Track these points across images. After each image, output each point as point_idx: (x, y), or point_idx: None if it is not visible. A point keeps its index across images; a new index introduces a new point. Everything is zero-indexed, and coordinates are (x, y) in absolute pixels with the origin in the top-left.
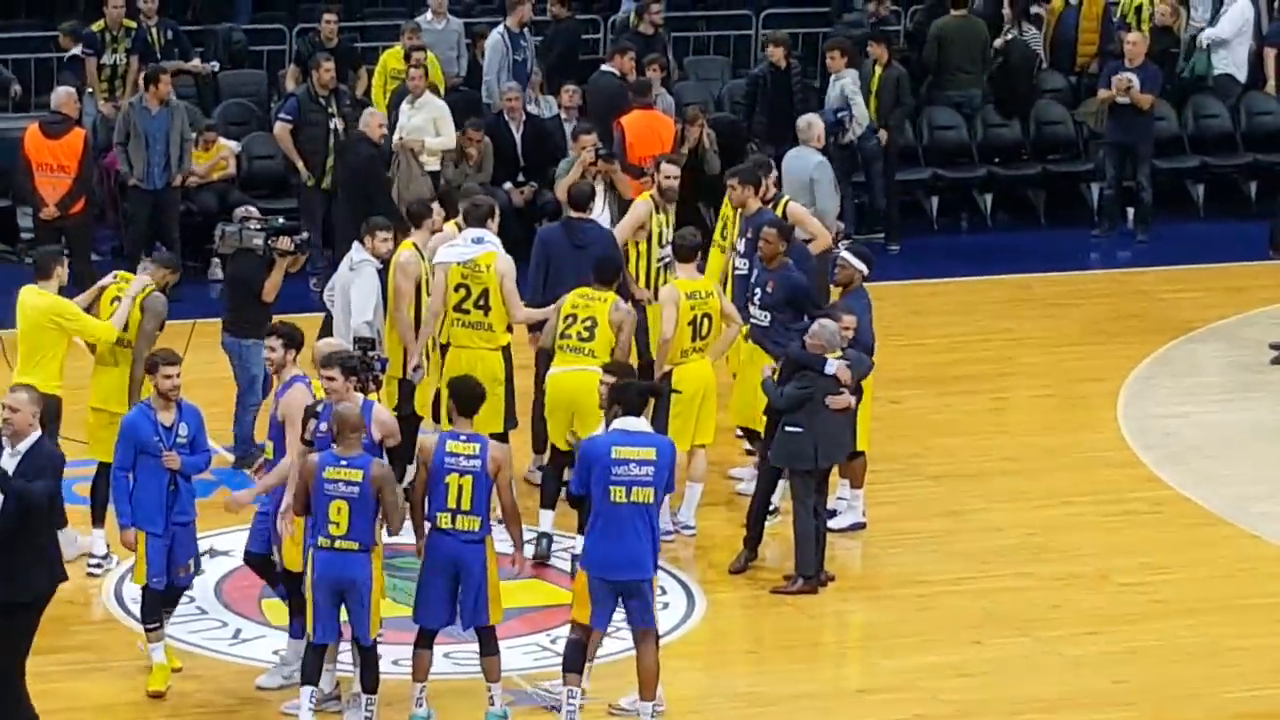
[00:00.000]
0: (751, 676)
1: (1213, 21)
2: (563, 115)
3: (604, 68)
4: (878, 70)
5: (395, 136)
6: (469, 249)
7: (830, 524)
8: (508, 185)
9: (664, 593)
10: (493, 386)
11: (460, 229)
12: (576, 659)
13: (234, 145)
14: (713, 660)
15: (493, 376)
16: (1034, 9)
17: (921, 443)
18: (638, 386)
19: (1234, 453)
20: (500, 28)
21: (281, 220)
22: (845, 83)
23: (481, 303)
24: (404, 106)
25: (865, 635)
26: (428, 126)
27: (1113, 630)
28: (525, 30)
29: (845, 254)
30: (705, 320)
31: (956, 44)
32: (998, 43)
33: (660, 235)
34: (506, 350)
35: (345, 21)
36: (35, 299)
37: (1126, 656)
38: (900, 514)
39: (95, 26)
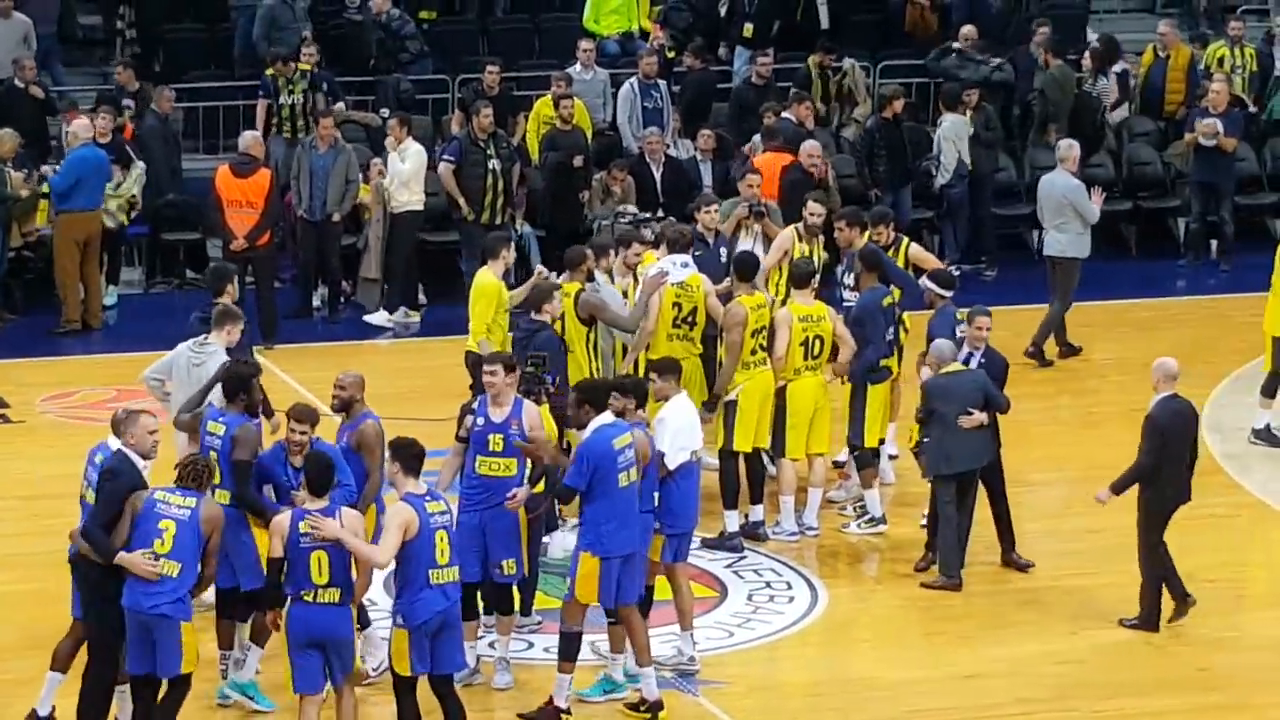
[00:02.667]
0: (867, 663)
1: None
2: (698, 156)
3: (784, 115)
4: (969, 115)
5: (386, 181)
6: (680, 272)
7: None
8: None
9: (789, 587)
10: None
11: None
12: (575, 650)
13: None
14: (832, 649)
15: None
16: (1119, 65)
17: (1027, 452)
18: (605, 385)
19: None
20: (632, 79)
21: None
22: (943, 129)
23: (691, 318)
24: (391, 155)
25: (973, 626)
26: (418, 172)
27: (1199, 622)
28: (658, 80)
29: (926, 282)
30: (817, 341)
31: (1056, 94)
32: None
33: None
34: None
35: (504, 72)
36: None
37: (1211, 646)
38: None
39: (269, 71)
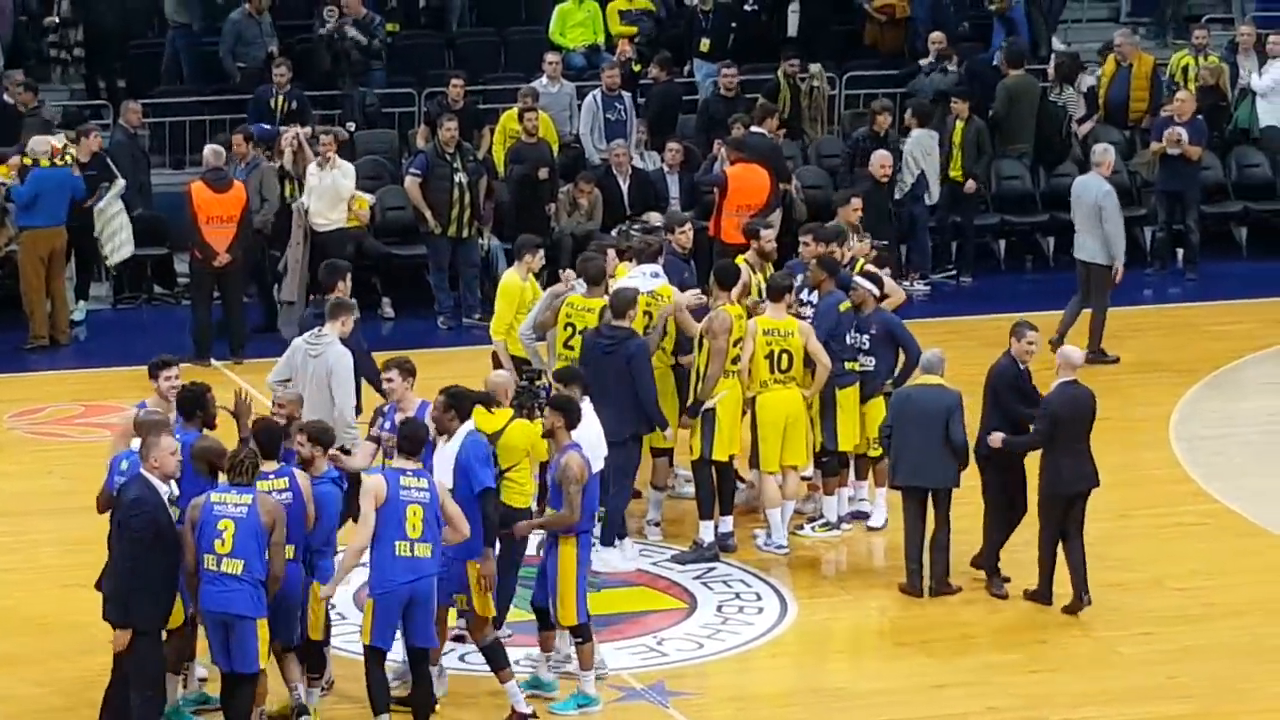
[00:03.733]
0: (838, 674)
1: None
2: (665, 168)
3: (754, 129)
4: (959, 125)
5: (304, 199)
6: (649, 282)
7: (870, 523)
8: (620, 228)
9: (759, 598)
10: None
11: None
12: (503, 657)
13: (370, 198)
14: (803, 660)
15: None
16: (1085, 81)
17: None
18: (473, 397)
19: (1277, 470)
20: (595, 91)
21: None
22: (909, 143)
23: (662, 328)
24: (311, 169)
25: (942, 636)
26: (345, 187)
27: (1167, 631)
28: (621, 92)
29: (857, 279)
30: (784, 356)
31: (1022, 101)
32: None
33: (759, 289)
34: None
35: (469, 85)
36: None
37: (1180, 655)
38: (974, 526)
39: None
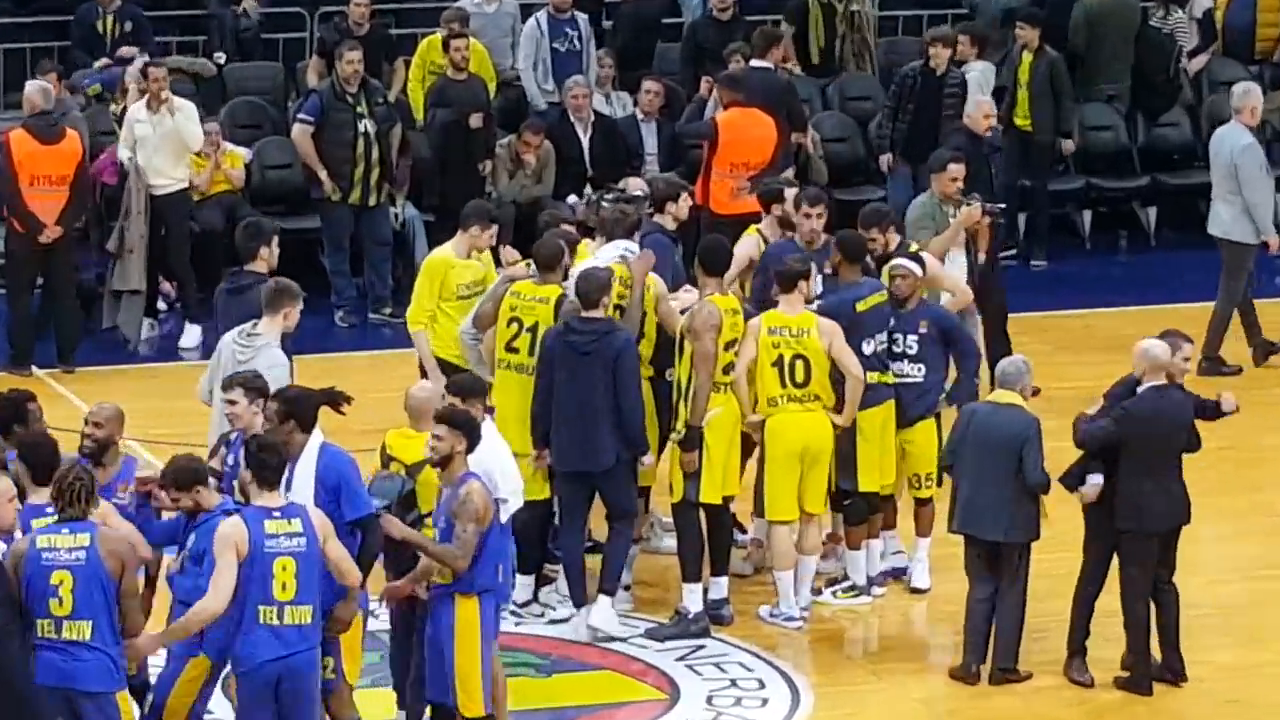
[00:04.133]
0: None
1: None
2: (639, 115)
3: (755, 63)
4: (1026, 58)
5: (125, 153)
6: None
7: (913, 584)
8: (572, 199)
9: (761, 686)
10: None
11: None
12: None
13: (244, 152)
14: None
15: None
16: (1199, 4)
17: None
18: (316, 398)
19: None
20: (540, 13)
21: None
22: (974, 75)
23: (640, 326)
24: (137, 112)
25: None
26: (191, 133)
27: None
28: (574, 13)
29: (898, 261)
30: (798, 363)
31: (1109, 27)
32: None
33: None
34: None
35: (379, 3)
36: None
37: None
38: (1055, 589)
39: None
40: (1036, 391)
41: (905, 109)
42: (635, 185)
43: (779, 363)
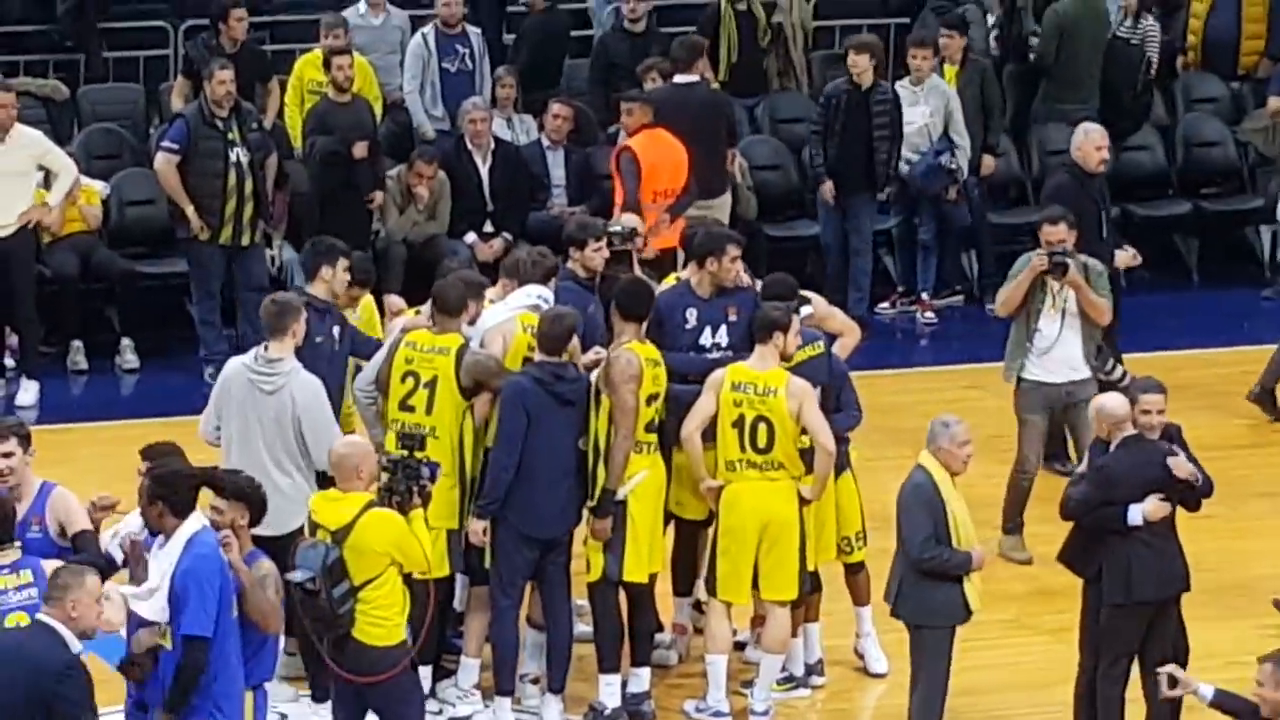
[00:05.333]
0: None
1: None
2: (544, 141)
3: (680, 78)
4: (950, 70)
5: None
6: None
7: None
8: (471, 237)
9: None
10: None
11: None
12: None
13: (100, 186)
14: None
15: None
16: None
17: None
18: (191, 475)
19: None
20: (427, 28)
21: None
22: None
23: None
24: None
25: None
26: (28, 172)
27: None
28: (465, 28)
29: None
30: (761, 425)
31: (1081, 39)
32: None
33: None
34: None
35: (251, 15)
36: None
37: None
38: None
39: None
40: None
41: (833, 131)
42: (630, 221)
43: (739, 423)
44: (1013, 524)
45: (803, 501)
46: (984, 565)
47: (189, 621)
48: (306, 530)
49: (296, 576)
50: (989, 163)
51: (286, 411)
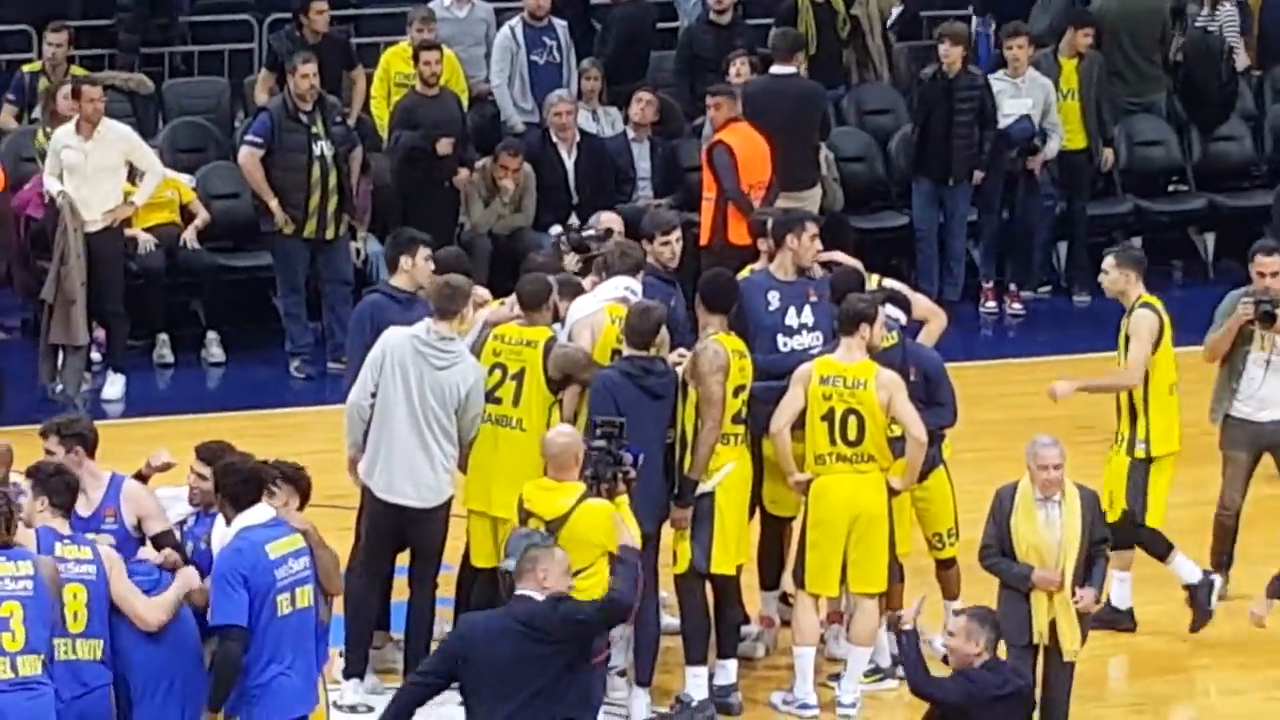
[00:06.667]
0: None
1: None
2: (630, 133)
3: (778, 69)
4: (1066, 65)
5: (53, 184)
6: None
7: None
8: (556, 229)
9: None
10: None
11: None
12: None
13: (186, 179)
14: None
15: None
16: None
17: None
18: (260, 470)
19: None
20: (514, 21)
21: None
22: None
23: None
24: (66, 136)
25: None
26: (117, 168)
27: None
28: (552, 21)
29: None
30: (852, 418)
31: (1127, 28)
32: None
33: None
34: None
35: (335, 9)
36: None
37: None
38: None
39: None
40: None
41: (917, 119)
42: (607, 220)
43: (829, 416)
44: (1218, 562)
45: (891, 493)
46: (1050, 588)
47: (211, 614)
48: (518, 519)
49: (508, 565)
50: (1109, 155)
51: (455, 389)
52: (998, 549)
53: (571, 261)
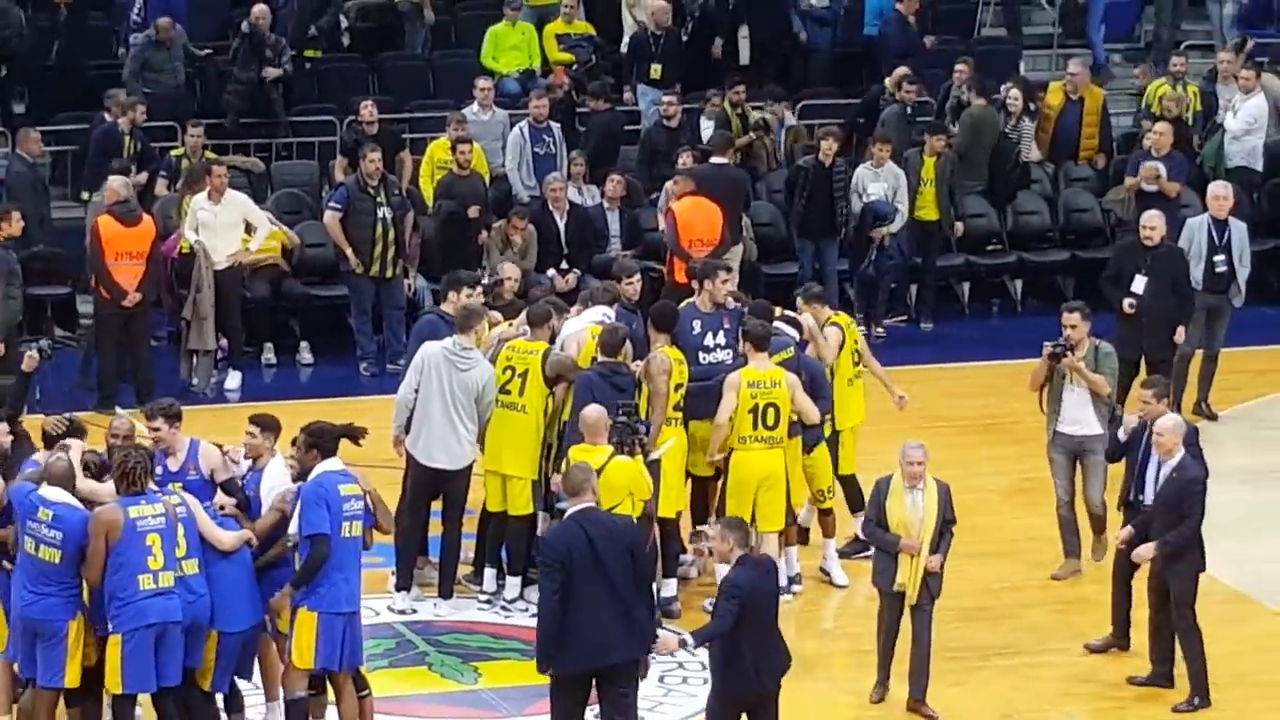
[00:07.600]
0: None
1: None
2: (605, 204)
3: (716, 160)
4: (928, 160)
5: (191, 235)
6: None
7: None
8: (551, 272)
9: (704, 668)
10: None
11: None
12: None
13: (289, 232)
14: None
15: None
16: (1032, 105)
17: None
18: (337, 431)
19: (1258, 532)
20: (522, 123)
21: None
22: (899, 179)
23: None
24: (203, 204)
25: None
26: (237, 224)
27: (1141, 705)
28: (550, 124)
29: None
30: (770, 410)
31: (984, 133)
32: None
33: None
34: None
35: (395, 113)
36: None
37: None
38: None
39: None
40: None
41: (800, 195)
42: (508, 271)
43: (755, 410)
44: (1069, 549)
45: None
46: (912, 552)
47: (305, 524)
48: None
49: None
50: (959, 227)
51: (475, 385)
52: (875, 522)
53: (479, 298)
